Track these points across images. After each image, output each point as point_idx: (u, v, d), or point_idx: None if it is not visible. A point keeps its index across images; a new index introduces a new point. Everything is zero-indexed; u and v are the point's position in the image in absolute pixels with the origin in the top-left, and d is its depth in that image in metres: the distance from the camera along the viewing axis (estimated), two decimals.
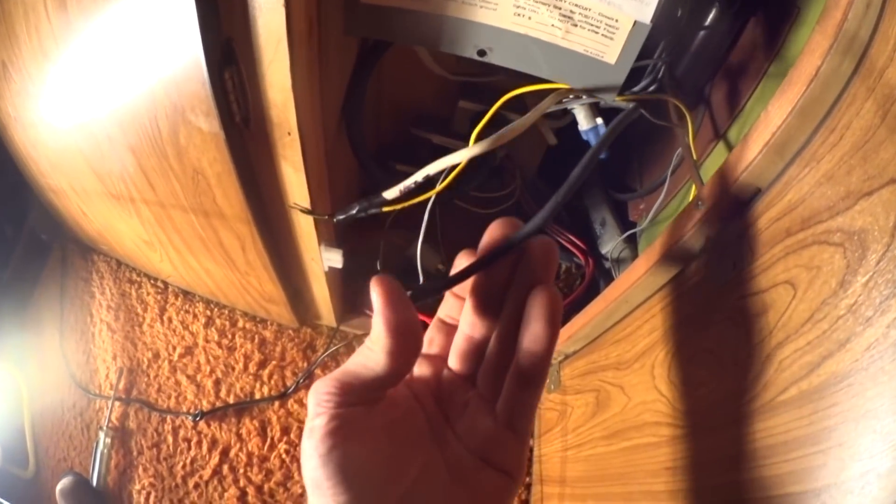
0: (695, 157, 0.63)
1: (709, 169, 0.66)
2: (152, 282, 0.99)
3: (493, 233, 0.38)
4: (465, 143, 0.74)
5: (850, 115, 0.42)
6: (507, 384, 0.39)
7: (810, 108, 0.43)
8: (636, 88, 0.58)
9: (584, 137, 0.64)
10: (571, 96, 0.57)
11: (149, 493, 0.83)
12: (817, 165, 0.44)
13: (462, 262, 0.39)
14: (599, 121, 0.63)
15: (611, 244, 0.87)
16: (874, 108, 0.40)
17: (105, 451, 0.85)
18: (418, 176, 0.56)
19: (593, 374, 0.72)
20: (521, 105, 0.71)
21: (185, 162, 0.58)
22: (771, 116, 0.45)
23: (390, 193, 0.64)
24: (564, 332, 0.75)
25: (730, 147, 0.63)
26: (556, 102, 0.56)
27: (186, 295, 0.98)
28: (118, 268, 1.00)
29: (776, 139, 0.45)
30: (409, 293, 0.35)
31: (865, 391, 0.36)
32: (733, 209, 0.51)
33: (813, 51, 0.42)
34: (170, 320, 0.96)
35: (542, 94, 0.55)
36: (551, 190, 0.91)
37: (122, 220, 0.76)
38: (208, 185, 0.60)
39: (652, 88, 0.58)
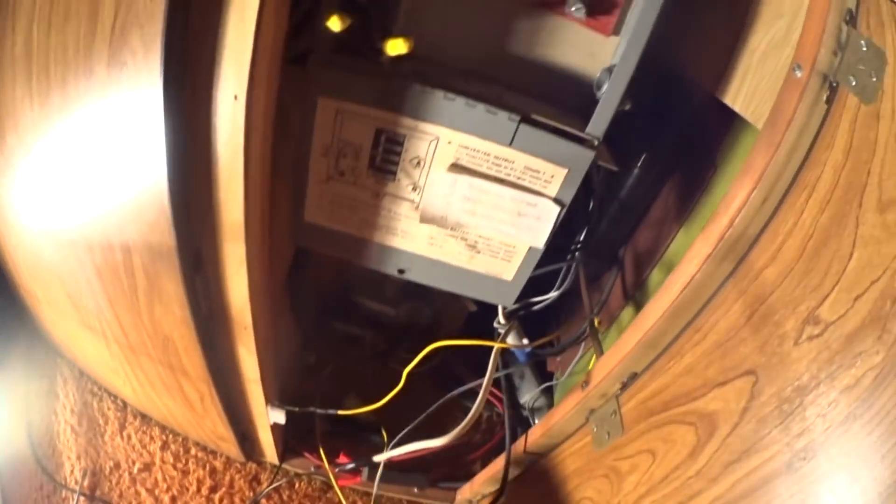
0: (599, 331, 0.68)
1: (623, 321, 0.70)
2: (112, 398, 0.97)
3: None
4: (394, 309, 0.80)
5: (718, 315, 0.47)
6: None
7: (681, 310, 0.49)
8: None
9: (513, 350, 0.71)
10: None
11: None
12: (681, 360, 0.50)
13: None
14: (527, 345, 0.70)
15: (529, 395, 0.89)
16: (741, 309, 0.44)
17: None
18: (402, 449, 0.62)
19: None
20: None
21: (158, 329, 0.62)
22: (647, 316, 0.50)
23: (379, 457, 0.72)
24: (483, 475, 0.79)
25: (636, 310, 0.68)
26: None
27: (144, 417, 0.97)
28: (80, 376, 0.98)
29: (648, 336, 0.50)
30: None
31: None
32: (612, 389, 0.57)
33: (692, 258, 0.46)
34: (129, 437, 0.94)
35: None
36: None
37: (92, 345, 0.77)
38: (176, 350, 0.64)
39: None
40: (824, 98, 0.41)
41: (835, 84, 0.40)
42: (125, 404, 0.98)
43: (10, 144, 0.55)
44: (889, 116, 0.36)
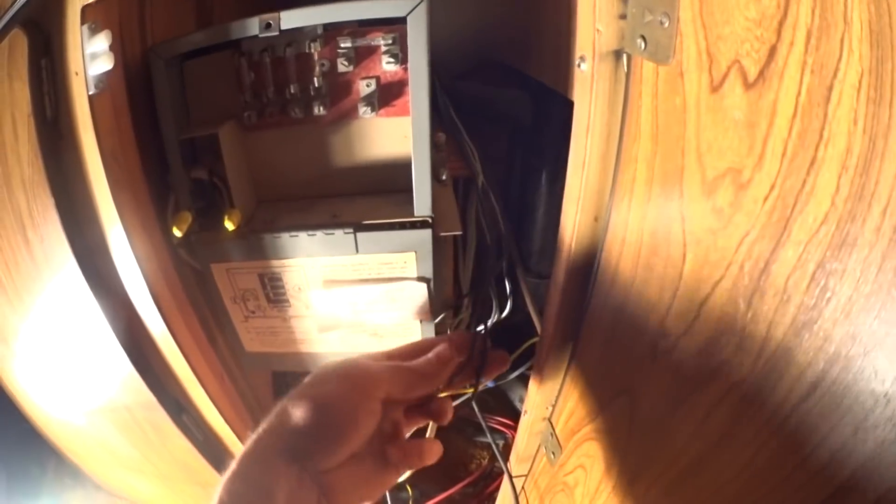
0: None
1: None
2: None
3: None
4: None
5: (586, 344, 0.49)
6: None
7: (559, 344, 0.51)
8: None
9: None
10: None
11: None
12: (577, 384, 0.53)
13: None
14: None
15: None
16: (602, 335, 0.45)
17: None
18: None
19: None
20: None
21: (177, 458, 0.71)
22: (540, 347, 0.55)
23: None
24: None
25: None
26: None
27: None
28: None
29: (547, 366, 0.54)
30: None
31: None
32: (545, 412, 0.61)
33: (553, 291, 0.48)
34: None
35: None
36: None
37: (142, 483, 0.88)
38: (197, 471, 0.72)
39: None
40: (623, 81, 0.35)
41: (628, 56, 0.34)
42: None
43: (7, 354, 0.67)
44: (695, 65, 0.29)
